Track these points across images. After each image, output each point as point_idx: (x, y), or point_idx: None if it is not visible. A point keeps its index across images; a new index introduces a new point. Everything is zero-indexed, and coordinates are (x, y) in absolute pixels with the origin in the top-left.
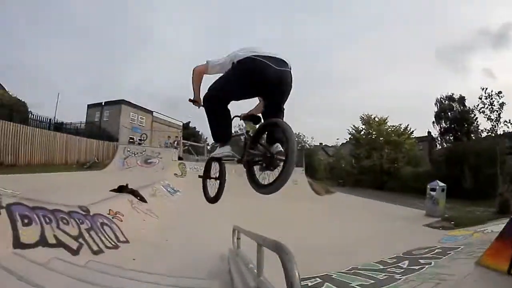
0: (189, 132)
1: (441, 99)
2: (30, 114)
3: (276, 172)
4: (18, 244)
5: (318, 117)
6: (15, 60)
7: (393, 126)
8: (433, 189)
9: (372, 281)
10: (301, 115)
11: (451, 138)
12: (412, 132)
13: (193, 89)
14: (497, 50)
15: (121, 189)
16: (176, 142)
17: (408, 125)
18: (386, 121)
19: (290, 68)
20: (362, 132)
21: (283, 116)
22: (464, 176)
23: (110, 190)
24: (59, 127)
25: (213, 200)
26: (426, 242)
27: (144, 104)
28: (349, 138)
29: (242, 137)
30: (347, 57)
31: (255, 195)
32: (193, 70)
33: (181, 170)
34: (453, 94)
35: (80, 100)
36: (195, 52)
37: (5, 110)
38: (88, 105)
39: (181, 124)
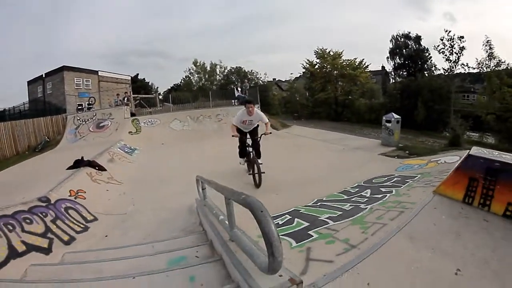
0: (138, 85)
1: (397, 36)
2: None
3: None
4: None
5: (270, 53)
6: None
7: (348, 60)
8: (389, 121)
9: (340, 212)
10: (251, 54)
11: (404, 73)
12: (367, 66)
13: None
14: None
15: (78, 163)
16: (126, 98)
17: (363, 59)
18: (341, 55)
19: None
20: (317, 66)
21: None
22: (417, 110)
23: (67, 169)
24: (2, 116)
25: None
26: (384, 170)
27: (91, 65)
28: (303, 72)
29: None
30: None
31: (214, 137)
32: None
33: (135, 126)
34: (409, 32)
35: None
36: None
37: None
38: (28, 82)
39: (129, 78)
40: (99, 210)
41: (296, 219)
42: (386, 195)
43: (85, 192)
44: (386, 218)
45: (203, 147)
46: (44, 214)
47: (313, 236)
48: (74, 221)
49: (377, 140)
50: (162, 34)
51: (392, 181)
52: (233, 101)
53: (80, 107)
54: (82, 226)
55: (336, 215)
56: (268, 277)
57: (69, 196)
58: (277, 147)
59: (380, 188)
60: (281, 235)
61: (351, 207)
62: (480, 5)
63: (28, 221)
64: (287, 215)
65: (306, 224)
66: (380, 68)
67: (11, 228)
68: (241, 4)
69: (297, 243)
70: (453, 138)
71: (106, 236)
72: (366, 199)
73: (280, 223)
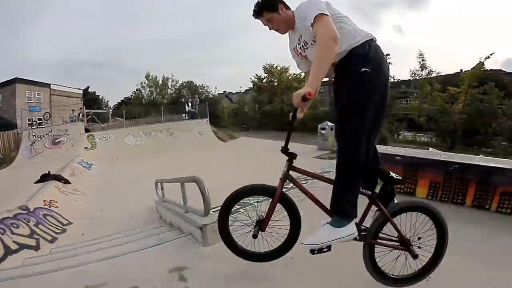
0: (89, 98)
1: None
2: None
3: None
4: None
5: (224, 65)
6: None
7: (295, 74)
8: (323, 128)
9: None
10: (205, 66)
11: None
12: None
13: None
14: (412, 9)
15: (45, 177)
16: (81, 114)
17: None
18: (288, 69)
19: None
20: (264, 81)
21: None
22: None
23: (35, 182)
24: None
25: None
26: (314, 169)
27: (40, 76)
28: (252, 85)
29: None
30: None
31: (167, 151)
32: (331, 38)
33: (91, 142)
34: None
35: None
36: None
37: None
38: None
39: (81, 92)
40: (72, 216)
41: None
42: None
43: (57, 202)
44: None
45: (157, 161)
46: (27, 219)
47: (241, 211)
48: (53, 225)
49: (315, 146)
50: (114, 45)
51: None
52: (183, 115)
53: (30, 122)
54: (60, 228)
55: (261, 200)
56: (205, 218)
57: (44, 205)
58: (223, 158)
59: (302, 182)
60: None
61: None
62: (424, 19)
63: (15, 225)
64: None
65: (238, 207)
66: (327, 79)
67: (2, 231)
68: (196, 17)
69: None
70: (379, 140)
71: (82, 234)
72: (289, 190)
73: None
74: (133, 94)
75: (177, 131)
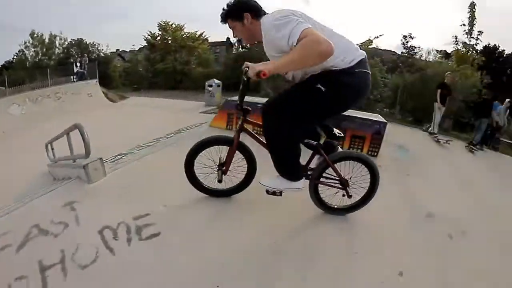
0: None
1: None
2: None
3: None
4: None
5: (117, 22)
6: None
7: (189, 32)
8: (210, 85)
9: (145, 147)
10: (97, 22)
11: (247, 45)
12: (206, 39)
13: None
14: None
15: None
16: None
17: (203, 32)
18: (183, 28)
19: None
20: (158, 38)
21: None
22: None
23: None
24: None
25: None
26: (196, 122)
27: None
28: (146, 44)
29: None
30: None
31: (55, 116)
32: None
33: None
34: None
35: None
36: None
37: None
38: None
39: None
40: None
41: (119, 156)
42: (172, 135)
43: None
44: (170, 140)
45: (45, 128)
46: None
47: (125, 155)
48: None
49: (203, 102)
50: None
51: (192, 127)
52: (72, 77)
53: None
54: None
55: (141, 149)
56: (87, 159)
57: None
58: (113, 118)
59: (181, 132)
60: (106, 161)
61: (154, 144)
62: None
63: None
64: (112, 156)
65: (124, 155)
66: (225, 39)
67: None
68: None
69: (112, 161)
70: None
71: None
72: (167, 138)
73: (108, 158)
74: (15, 57)
75: (65, 94)
